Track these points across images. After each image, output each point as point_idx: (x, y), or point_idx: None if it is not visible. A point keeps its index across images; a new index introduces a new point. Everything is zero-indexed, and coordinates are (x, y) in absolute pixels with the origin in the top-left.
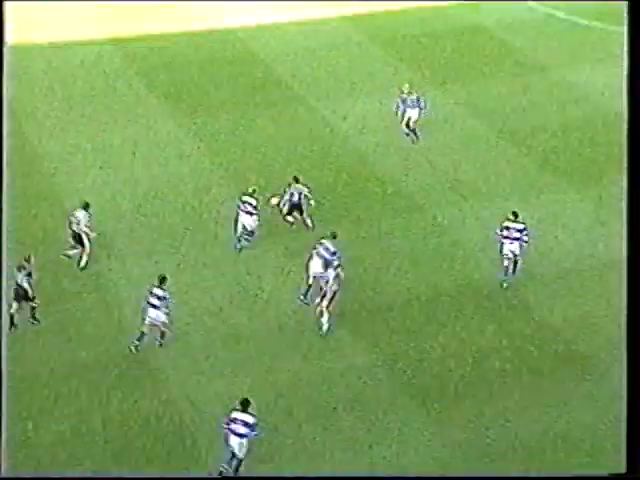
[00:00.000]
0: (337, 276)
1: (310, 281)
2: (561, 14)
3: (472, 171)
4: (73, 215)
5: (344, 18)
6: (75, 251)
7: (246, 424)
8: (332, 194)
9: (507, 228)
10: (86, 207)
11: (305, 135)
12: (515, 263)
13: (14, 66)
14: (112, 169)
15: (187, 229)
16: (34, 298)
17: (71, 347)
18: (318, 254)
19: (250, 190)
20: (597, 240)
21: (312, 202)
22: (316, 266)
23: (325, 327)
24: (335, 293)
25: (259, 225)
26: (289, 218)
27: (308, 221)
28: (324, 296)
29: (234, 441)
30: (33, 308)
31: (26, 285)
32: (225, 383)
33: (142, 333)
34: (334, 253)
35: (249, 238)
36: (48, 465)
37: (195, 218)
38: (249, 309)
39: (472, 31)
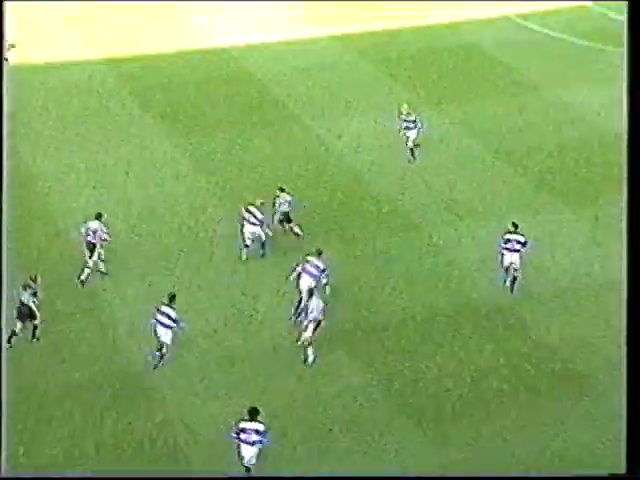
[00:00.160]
0: (319, 305)
1: (301, 298)
2: (557, 34)
3: (468, 191)
4: (86, 226)
5: (339, 38)
6: (101, 264)
7: (257, 432)
8: (327, 213)
9: (509, 240)
10: (99, 217)
11: (300, 154)
12: (514, 278)
13: (8, 86)
14: (106, 189)
15: (182, 250)
16: (37, 317)
17: (65, 368)
18: (307, 271)
19: (258, 202)
20: (593, 260)
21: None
22: (305, 284)
23: (311, 359)
24: (319, 323)
25: (264, 235)
26: (280, 227)
27: (296, 229)
28: (307, 327)
29: (246, 451)
30: (35, 327)
31: (31, 304)
32: (220, 405)
33: (161, 345)
34: (323, 270)
35: (257, 245)
36: None
37: (191, 238)
38: (244, 330)
39: (467, 51)
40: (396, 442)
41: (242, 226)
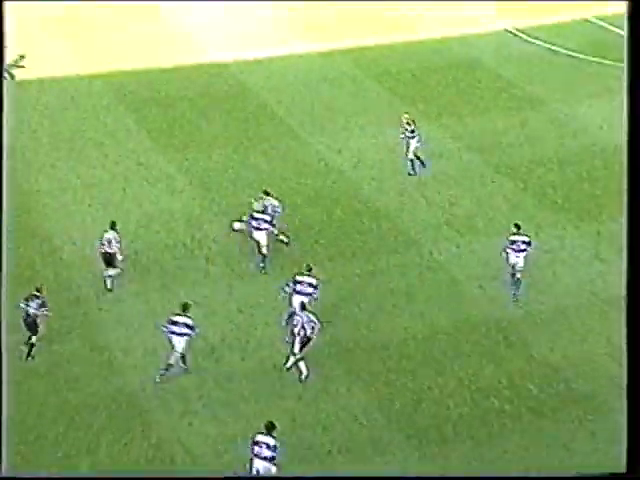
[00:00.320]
0: (311, 321)
1: (291, 314)
2: (557, 47)
3: (469, 206)
4: (103, 237)
5: (337, 52)
6: (109, 282)
7: (268, 446)
8: (326, 229)
9: (514, 242)
10: (113, 226)
11: (298, 170)
12: (518, 279)
13: (3, 102)
14: (102, 206)
15: (178, 267)
16: (38, 332)
17: (59, 389)
18: (299, 292)
19: (261, 208)
20: (596, 276)
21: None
22: (298, 301)
23: (305, 373)
24: (309, 339)
25: (273, 240)
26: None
27: (281, 236)
28: (293, 343)
29: (257, 464)
30: (32, 346)
31: (38, 314)
32: (217, 424)
33: (182, 355)
34: (316, 286)
35: (265, 254)
36: None
37: (186, 255)
38: (242, 348)
39: (467, 65)
40: (397, 463)
41: (251, 232)
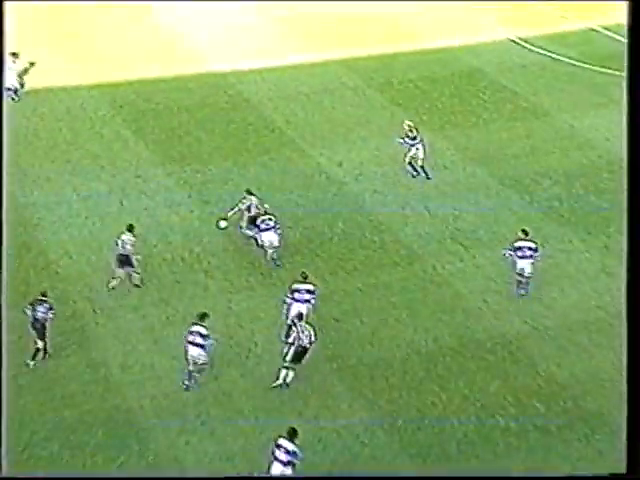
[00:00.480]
0: (307, 331)
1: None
2: (562, 57)
3: (473, 220)
4: (119, 239)
5: (338, 62)
6: (115, 282)
7: (287, 451)
8: (327, 243)
9: (520, 248)
10: (131, 229)
11: (299, 182)
12: (527, 282)
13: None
14: (98, 219)
15: (176, 281)
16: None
17: (54, 406)
18: (298, 300)
19: (262, 211)
20: (604, 291)
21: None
22: (296, 310)
23: (289, 379)
24: (305, 350)
25: (280, 239)
26: (249, 232)
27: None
28: (287, 352)
29: (277, 469)
30: (37, 350)
31: (48, 318)
32: (216, 442)
33: (190, 372)
34: (313, 292)
35: (275, 253)
36: None
37: (185, 269)
38: (242, 364)
39: (471, 75)
40: None
41: (258, 239)
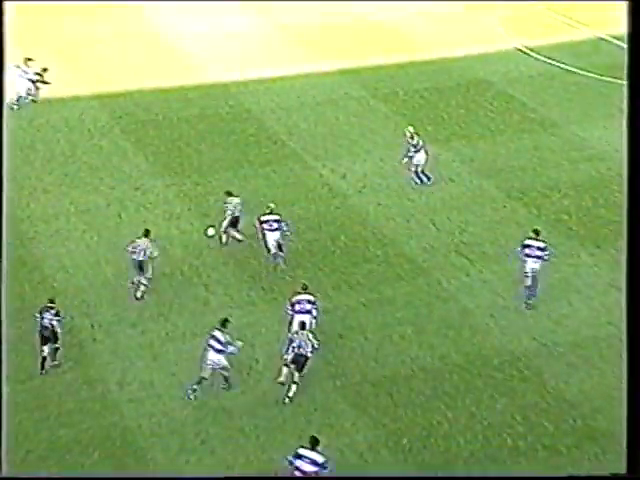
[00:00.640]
0: (309, 339)
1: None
2: (571, 67)
3: (479, 233)
4: (133, 245)
5: (342, 72)
6: (140, 290)
7: (315, 462)
8: (330, 257)
9: (528, 246)
10: (147, 234)
11: (302, 195)
12: (535, 282)
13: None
14: (96, 232)
15: (176, 296)
16: (59, 339)
17: (49, 425)
18: (299, 312)
19: (267, 210)
20: (614, 307)
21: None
22: (298, 321)
23: (291, 393)
24: (306, 359)
25: (287, 241)
26: (234, 233)
27: (238, 235)
28: (293, 362)
29: None
30: (57, 349)
31: (55, 324)
32: (216, 461)
33: (202, 378)
34: (314, 302)
35: (282, 254)
36: None
37: (185, 284)
38: (242, 381)
39: (478, 86)
40: None
41: (264, 235)
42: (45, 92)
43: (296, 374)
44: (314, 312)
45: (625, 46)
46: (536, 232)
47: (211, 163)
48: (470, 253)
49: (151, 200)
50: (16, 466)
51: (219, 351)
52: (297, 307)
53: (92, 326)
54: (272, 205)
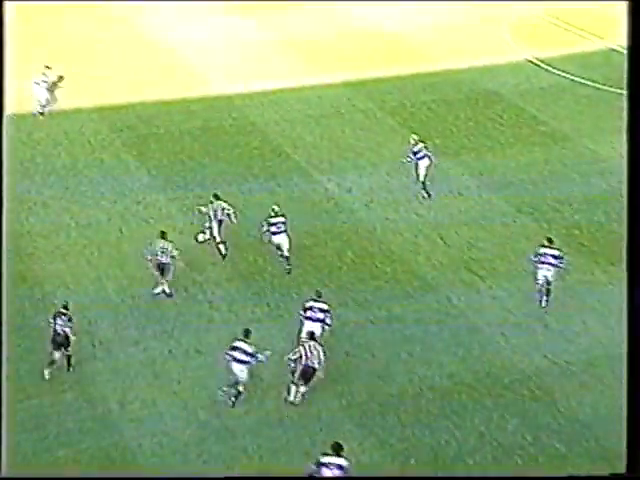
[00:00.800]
0: (316, 350)
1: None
2: (582, 79)
3: (489, 249)
4: (152, 248)
5: (347, 83)
6: (159, 289)
7: (340, 467)
8: (337, 273)
9: (542, 254)
10: (164, 236)
11: (307, 209)
12: (548, 291)
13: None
14: (97, 248)
15: (179, 313)
16: (71, 345)
17: (48, 445)
18: (310, 318)
19: (273, 213)
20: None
21: (234, 220)
22: (308, 329)
23: (296, 401)
24: (314, 370)
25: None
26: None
27: (221, 246)
28: (294, 372)
29: None
30: (69, 357)
31: (67, 330)
32: None
33: (235, 388)
34: (327, 311)
35: (286, 254)
36: None
37: (188, 300)
38: (247, 401)
39: (487, 98)
40: None
41: (270, 237)
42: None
43: (302, 387)
44: (327, 320)
45: None
46: (549, 240)
47: (214, 177)
48: (480, 269)
49: (153, 215)
50: None
51: (244, 362)
52: (309, 313)
53: (93, 344)
54: (276, 207)
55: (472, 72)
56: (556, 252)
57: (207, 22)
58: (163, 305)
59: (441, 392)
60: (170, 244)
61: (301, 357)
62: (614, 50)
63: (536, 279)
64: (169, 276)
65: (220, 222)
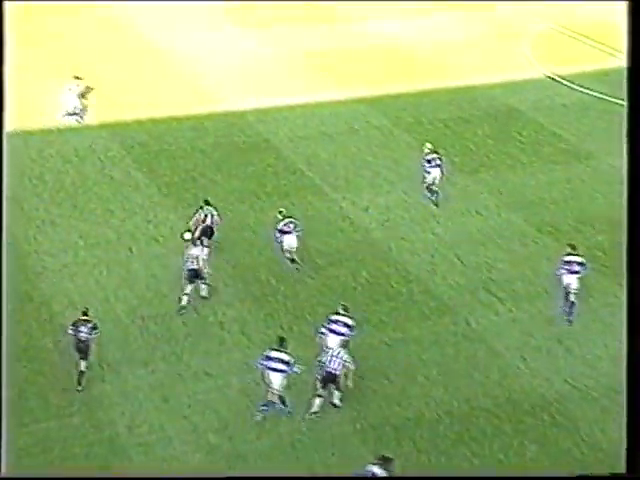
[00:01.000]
0: (340, 356)
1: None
2: (604, 95)
3: (508, 269)
4: (187, 254)
5: (363, 100)
6: (185, 300)
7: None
8: (351, 294)
9: (569, 262)
10: (195, 242)
11: (321, 228)
12: (572, 303)
13: (2, 155)
14: (106, 267)
15: (189, 334)
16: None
17: (55, 471)
18: (334, 331)
19: (280, 216)
20: None
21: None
22: (334, 342)
23: (313, 410)
24: (335, 377)
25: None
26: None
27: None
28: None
29: None
30: (82, 373)
31: (91, 338)
32: None
33: (281, 397)
34: (351, 327)
35: (294, 255)
36: None
37: (199, 322)
38: (258, 425)
39: (506, 114)
40: None
41: (281, 242)
42: (54, 121)
43: (320, 390)
44: (348, 336)
45: None
46: (572, 247)
47: (227, 195)
48: (499, 291)
49: (164, 233)
50: None
51: (280, 371)
52: (333, 326)
53: (100, 366)
54: (283, 210)
55: (490, 88)
56: (580, 259)
57: (221, 37)
58: (173, 326)
59: (459, 417)
60: (204, 250)
61: (326, 359)
62: None
63: (562, 286)
64: (206, 279)
65: (210, 227)
